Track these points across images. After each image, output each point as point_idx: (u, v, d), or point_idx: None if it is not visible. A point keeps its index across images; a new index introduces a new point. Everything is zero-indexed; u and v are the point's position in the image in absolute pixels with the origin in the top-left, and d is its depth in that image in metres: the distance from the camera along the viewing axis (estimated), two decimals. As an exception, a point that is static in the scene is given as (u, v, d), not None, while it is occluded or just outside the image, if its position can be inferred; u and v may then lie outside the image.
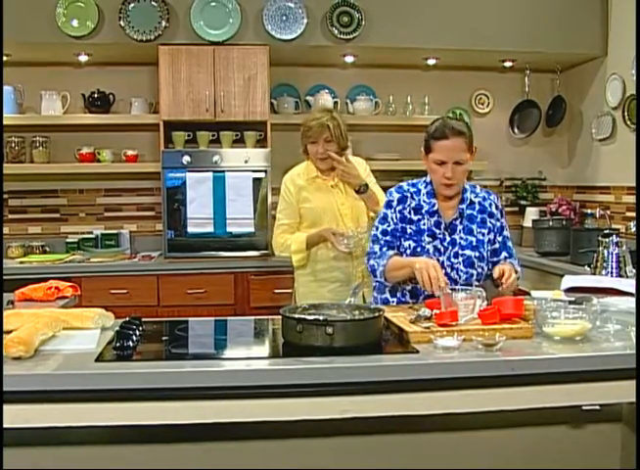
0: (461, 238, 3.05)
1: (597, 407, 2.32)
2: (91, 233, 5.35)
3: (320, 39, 5.00)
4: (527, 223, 5.55)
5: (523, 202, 5.82)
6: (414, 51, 5.17)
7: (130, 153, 5.23)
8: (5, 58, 5.02)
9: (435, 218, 3.07)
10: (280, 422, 2.10)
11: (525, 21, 5.14)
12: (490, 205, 3.13)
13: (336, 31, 4.95)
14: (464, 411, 2.18)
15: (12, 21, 4.64)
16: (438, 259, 2.98)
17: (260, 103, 4.96)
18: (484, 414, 2.20)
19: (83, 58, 5.13)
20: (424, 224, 3.07)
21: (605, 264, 3.65)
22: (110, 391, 2.03)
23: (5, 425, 2.02)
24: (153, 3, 4.82)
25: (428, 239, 3.05)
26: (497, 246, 3.12)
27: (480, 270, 3.06)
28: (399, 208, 3.11)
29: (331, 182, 3.83)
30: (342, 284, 3.71)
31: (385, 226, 3.11)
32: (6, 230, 5.37)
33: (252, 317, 3.06)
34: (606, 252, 3.66)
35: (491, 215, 3.12)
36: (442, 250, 3.04)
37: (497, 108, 5.89)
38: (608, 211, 5.05)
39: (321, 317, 2.31)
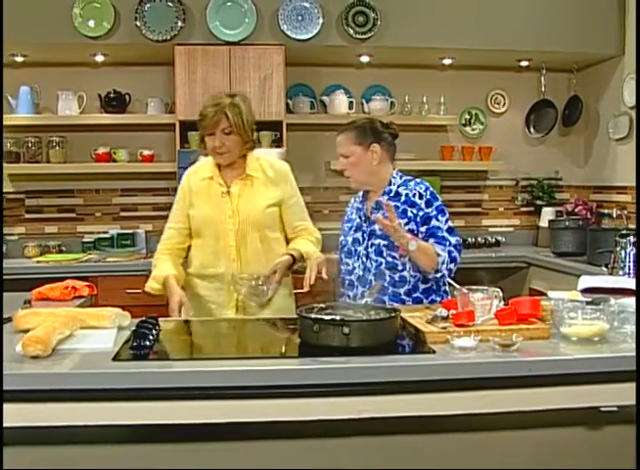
0: (379, 228, 3.11)
1: (615, 409, 2.30)
2: (107, 233, 5.36)
3: (336, 39, 5.00)
4: (544, 223, 5.53)
5: (539, 202, 5.80)
6: (430, 51, 5.16)
7: (146, 153, 5.25)
8: (22, 58, 5.06)
9: (362, 212, 3.24)
10: (297, 422, 2.10)
11: (541, 20, 5.12)
12: (414, 195, 3.13)
13: (351, 31, 4.95)
14: (481, 412, 2.17)
15: (29, 21, 4.67)
16: (356, 249, 3.19)
17: (276, 103, 4.97)
18: (501, 415, 2.19)
19: (99, 58, 5.15)
20: (355, 220, 3.27)
21: (622, 265, 3.64)
22: (127, 390, 2.04)
23: (22, 423, 2.04)
24: (169, 3, 4.84)
25: (351, 232, 3.24)
26: (422, 236, 3.07)
27: (389, 259, 3.09)
28: (348, 213, 3.37)
29: (223, 188, 3.24)
30: (217, 307, 3.26)
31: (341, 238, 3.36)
32: (23, 230, 5.42)
33: (269, 317, 3.05)
34: (623, 252, 3.64)
35: (413, 205, 3.11)
36: (361, 240, 3.19)
37: (513, 107, 5.87)
38: (625, 212, 5.03)
39: (338, 317, 2.31)
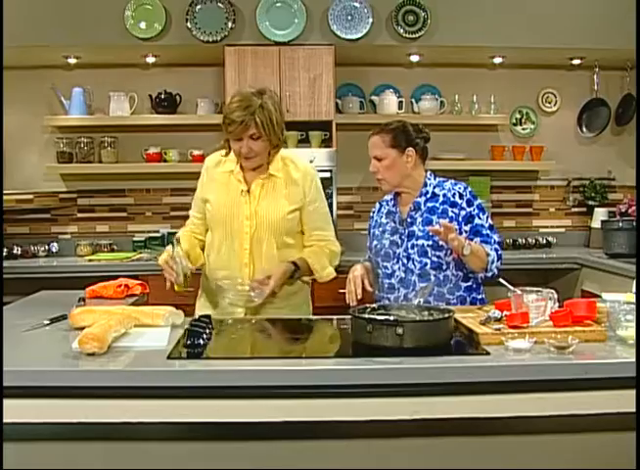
0: (419, 229, 3.12)
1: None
2: (157, 232, 5.42)
3: (385, 38, 4.99)
4: (596, 224, 5.44)
5: (591, 202, 5.71)
6: (480, 49, 5.11)
7: (196, 153, 5.28)
8: (75, 60, 5.15)
9: (396, 216, 3.23)
10: (350, 422, 2.10)
11: (593, 17, 5.03)
12: (454, 195, 3.14)
13: (401, 31, 4.93)
14: (536, 415, 2.14)
15: (82, 24, 4.76)
16: (395, 252, 3.17)
17: (326, 103, 4.98)
18: (557, 418, 2.16)
19: (151, 59, 5.21)
20: (388, 225, 3.24)
21: (678, 267, 3.56)
22: (182, 388, 2.06)
23: (78, 419, 2.06)
24: (219, 4, 4.87)
25: (387, 235, 3.21)
26: (466, 235, 3.05)
27: (435, 259, 3.08)
28: (376, 217, 3.36)
29: (243, 186, 3.10)
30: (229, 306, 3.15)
31: (368, 243, 3.39)
32: (75, 229, 5.52)
33: (319, 317, 3.05)
34: (679, 253, 3.57)
35: (454, 205, 3.12)
36: (400, 242, 3.17)
37: (565, 106, 5.78)
38: (680, 212, 4.93)
39: (391, 318, 2.30)
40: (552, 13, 5.01)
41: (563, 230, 5.84)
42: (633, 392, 2.12)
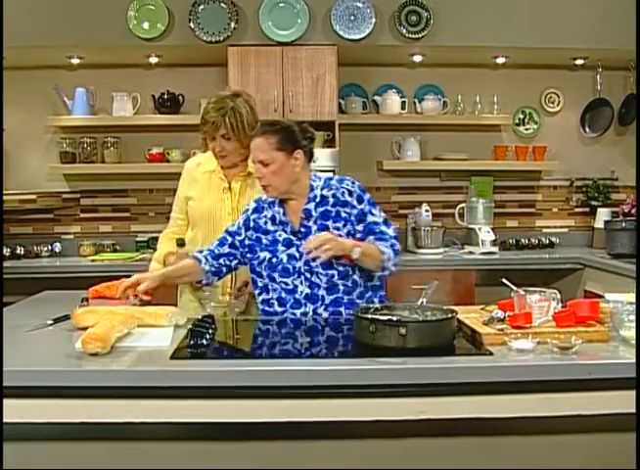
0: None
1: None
2: (160, 232, 5.38)
3: (388, 39, 4.98)
4: (599, 224, 5.43)
5: (594, 202, 5.70)
6: (483, 49, 5.10)
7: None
8: (78, 60, 5.15)
9: (288, 226, 2.99)
10: (354, 422, 2.10)
11: (596, 17, 5.02)
12: (343, 193, 2.95)
13: (404, 31, 4.92)
14: (539, 415, 2.14)
15: (85, 24, 4.75)
16: (294, 267, 2.94)
17: (328, 103, 4.97)
18: (560, 418, 2.15)
19: (154, 59, 5.21)
20: (279, 235, 3.00)
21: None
22: (185, 388, 2.06)
23: (82, 420, 2.06)
24: (222, 4, 4.87)
25: (282, 248, 2.98)
26: (360, 235, 2.92)
27: (341, 268, 2.90)
28: (254, 216, 3.07)
29: (224, 183, 3.31)
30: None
31: (232, 228, 3.10)
32: (78, 229, 5.52)
33: (322, 317, 3.04)
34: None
35: (344, 205, 2.94)
36: (298, 256, 2.94)
37: (568, 107, 5.77)
38: (683, 213, 4.92)
39: (394, 318, 2.30)
40: (555, 13, 5.00)
41: (566, 230, 5.83)
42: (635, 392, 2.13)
